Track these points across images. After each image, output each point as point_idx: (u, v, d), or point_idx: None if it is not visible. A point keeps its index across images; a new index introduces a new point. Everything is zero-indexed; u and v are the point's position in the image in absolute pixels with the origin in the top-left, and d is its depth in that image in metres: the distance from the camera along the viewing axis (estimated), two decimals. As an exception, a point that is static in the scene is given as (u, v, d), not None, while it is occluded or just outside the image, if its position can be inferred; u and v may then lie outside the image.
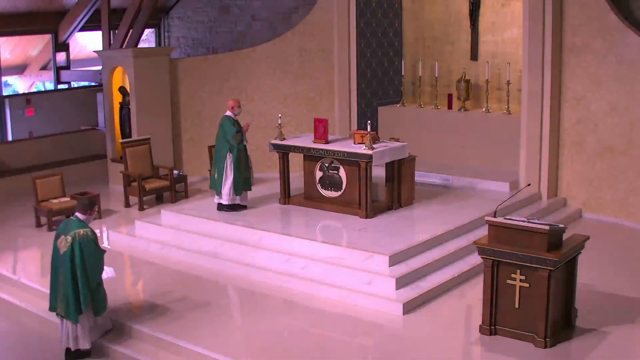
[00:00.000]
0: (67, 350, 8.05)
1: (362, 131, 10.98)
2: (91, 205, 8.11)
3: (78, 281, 7.82)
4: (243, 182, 11.08)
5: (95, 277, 7.95)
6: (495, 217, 7.75)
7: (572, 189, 12.10)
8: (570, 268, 7.84)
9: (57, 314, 8.05)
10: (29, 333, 8.83)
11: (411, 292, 8.73)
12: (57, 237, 8.03)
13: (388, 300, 8.55)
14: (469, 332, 8.08)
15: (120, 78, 14.60)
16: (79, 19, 16.50)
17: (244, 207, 11.18)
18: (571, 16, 11.62)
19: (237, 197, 11.10)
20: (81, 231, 7.86)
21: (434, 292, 8.90)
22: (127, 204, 13.12)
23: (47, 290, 9.42)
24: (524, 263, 7.49)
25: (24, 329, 8.96)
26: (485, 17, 13.56)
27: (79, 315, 7.88)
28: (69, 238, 7.82)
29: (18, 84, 17.76)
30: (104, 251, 8.13)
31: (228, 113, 11.05)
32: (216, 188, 11.09)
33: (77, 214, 8.02)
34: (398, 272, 8.91)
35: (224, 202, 11.04)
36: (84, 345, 8.03)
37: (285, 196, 11.48)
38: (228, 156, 10.94)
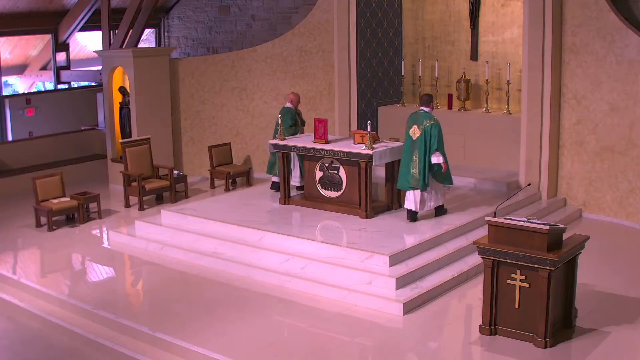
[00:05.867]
0: (412, 212, 10.38)
1: (362, 131, 10.98)
2: (430, 99, 10.47)
3: (426, 159, 10.08)
4: None
5: (443, 154, 10.19)
6: (495, 217, 7.75)
7: (572, 189, 12.10)
8: (570, 268, 7.84)
9: (407, 188, 10.32)
10: (29, 333, 8.82)
11: (411, 292, 8.73)
12: (408, 127, 10.25)
13: (388, 300, 8.55)
14: (469, 332, 8.08)
15: (120, 78, 14.60)
16: (79, 19, 16.51)
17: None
18: (571, 16, 11.63)
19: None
20: (431, 120, 10.14)
21: (433, 292, 8.89)
22: (127, 204, 13.12)
23: (47, 290, 9.49)
24: (524, 263, 7.49)
25: (24, 329, 8.95)
26: (485, 17, 13.56)
27: (427, 185, 10.18)
28: (422, 127, 10.11)
29: (18, 84, 17.77)
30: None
31: (288, 105, 12.12)
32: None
33: (421, 107, 10.29)
34: (398, 272, 8.92)
35: (299, 183, 11.89)
36: (429, 207, 10.44)
37: (285, 196, 11.49)
38: None
